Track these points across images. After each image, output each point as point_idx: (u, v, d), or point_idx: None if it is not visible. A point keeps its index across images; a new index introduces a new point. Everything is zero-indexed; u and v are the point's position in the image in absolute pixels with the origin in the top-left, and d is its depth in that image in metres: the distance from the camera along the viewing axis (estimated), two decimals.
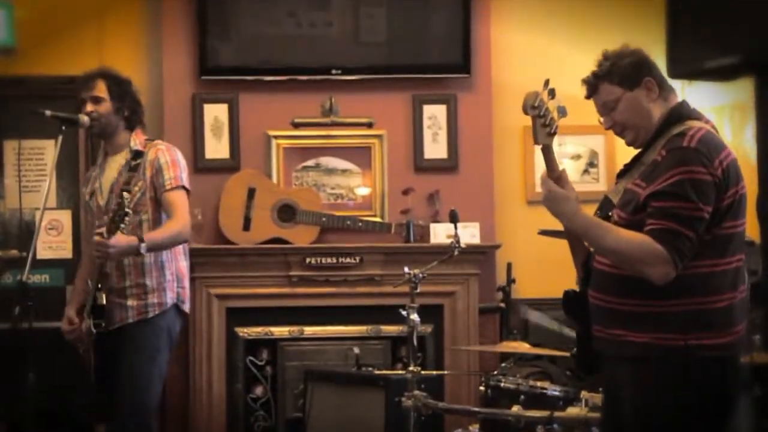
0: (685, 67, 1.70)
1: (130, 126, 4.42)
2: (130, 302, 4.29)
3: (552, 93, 3.03)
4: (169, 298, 4.33)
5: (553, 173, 3.09)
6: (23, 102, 5.67)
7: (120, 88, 4.41)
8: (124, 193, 4.10)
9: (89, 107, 4.36)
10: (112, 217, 4.07)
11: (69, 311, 4.42)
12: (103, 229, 4.07)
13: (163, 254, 4.33)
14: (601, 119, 3.21)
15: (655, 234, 2.91)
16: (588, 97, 3.22)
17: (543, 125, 2.98)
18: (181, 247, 4.40)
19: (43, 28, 6.00)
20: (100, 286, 4.25)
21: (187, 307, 4.44)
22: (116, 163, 4.42)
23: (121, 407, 4.27)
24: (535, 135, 3.00)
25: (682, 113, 3.11)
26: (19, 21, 5.93)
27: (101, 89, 4.38)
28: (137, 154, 4.37)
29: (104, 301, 4.25)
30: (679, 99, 3.17)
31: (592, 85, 3.18)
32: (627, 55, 3.17)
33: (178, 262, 4.39)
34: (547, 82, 3.01)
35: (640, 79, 3.12)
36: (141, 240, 4.13)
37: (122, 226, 4.04)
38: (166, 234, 4.25)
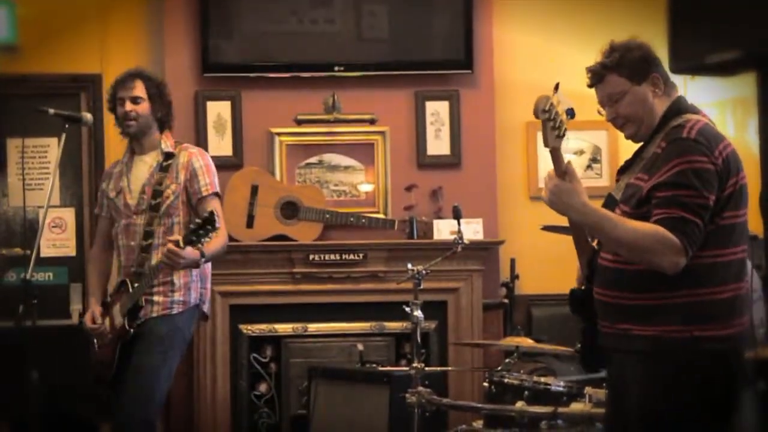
0: (687, 62, 1.70)
1: (161, 128, 4.49)
2: (156, 298, 4.35)
3: (561, 96, 3.01)
4: (193, 298, 4.41)
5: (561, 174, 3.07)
6: (26, 100, 5.68)
7: (157, 89, 4.47)
8: (213, 209, 4.10)
9: (128, 107, 4.41)
10: (195, 230, 4.06)
11: (94, 307, 4.46)
12: (179, 238, 4.10)
13: None
14: (603, 110, 3.21)
15: (665, 222, 2.91)
16: (591, 85, 3.19)
17: (552, 128, 2.97)
18: None
19: (46, 26, 5.99)
20: (137, 286, 4.30)
21: (207, 308, 4.51)
22: (146, 164, 4.46)
23: (126, 402, 4.30)
24: (545, 138, 2.98)
25: (680, 107, 3.12)
26: (21, 19, 5.92)
27: (140, 89, 4.43)
28: (168, 156, 4.43)
29: (143, 303, 4.31)
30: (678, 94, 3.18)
31: (599, 75, 3.16)
32: (635, 47, 3.15)
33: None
34: (557, 86, 2.99)
35: (648, 73, 3.12)
36: (203, 255, 4.17)
37: (204, 240, 4.06)
38: (218, 246, 4.33)
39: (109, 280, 4.62)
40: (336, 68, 5.91)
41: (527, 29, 6.25)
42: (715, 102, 6.05)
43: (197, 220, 4.11)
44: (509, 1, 6.21)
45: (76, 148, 5.97)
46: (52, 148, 5.94)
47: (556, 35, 6.19)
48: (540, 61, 6.10)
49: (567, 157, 6.47)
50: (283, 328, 5.92)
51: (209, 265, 4.49)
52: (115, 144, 6.03)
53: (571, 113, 3.00)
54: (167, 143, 4.48)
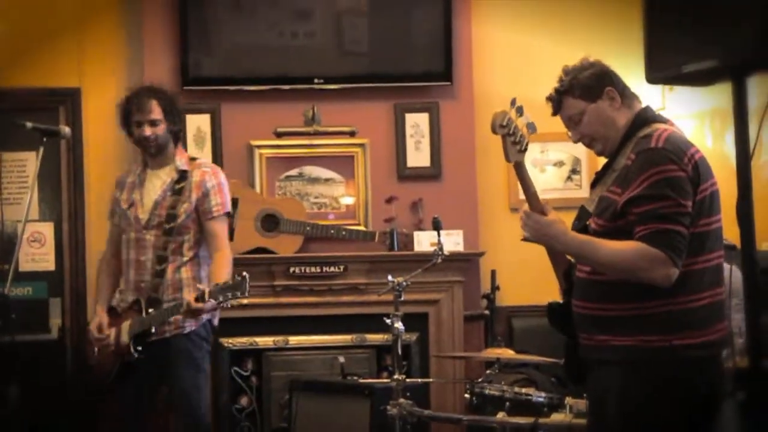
0: (664, 71, 1.71)
1: (175, 141, 4.48)
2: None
3: (520, 111, 3.08)
4: (204, 314, 4.38)
5: (528, 189, 3.12)
6: (3, 114, 5.65)
7: (172, 106, 4.45)
8: (244, 275, 4.05)
9: (148, 131, 4.39)
10: (223, 289, 4.05)
11: (102, 316, 4.45)
12: (206, 291, 4.07)
13: (201, 271, 4.42)
14: (569, 133, 3.27)
15: (646, 238, 2.94)
16: (554, 114, 3.29)
17: (513, 143, 3.04)
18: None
19: (23, 40, 5.98)
20: (151, 310, 4.30)
21: (216, 321, 4.54)
22: (159, 179, 4.46)
23: (180, 422, 4.40)
24: (506, 153, 3.07)
25: (647, 117, 3.17)
26: None
27: (158, 111, 4.41)
28: (182, 175, 4.42)
29: (153, 330, 4.30)
30: (644, 105, 3.22)
31: (556, 102, 3.26)
32: (587, 67, 3.23)
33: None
34: (514, 101, 3.06)
35: (602, 89, 3.19)
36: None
37: (229, 303, 4.11)
38: (228, 270, 4.33)
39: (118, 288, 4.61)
40: (316, 81, 5.92)
41: (506, 41, 6.27)
42: (693, 113, 6.08)
43: (229, 282, 4.08)
44: (489, 13, 6.24)
45: (55, 162, 5.95)
46: (30, 162, 5.92)
47: (535, 47, 6.22)
48: (519, 72, 6.11)
49: (547, 168, 6.51)
50: (264, 341, 5.90)
51: None
52: (94, 157, 6.03)
53: (532, 127, 3.07)
54: (182, 160, 4.47)
